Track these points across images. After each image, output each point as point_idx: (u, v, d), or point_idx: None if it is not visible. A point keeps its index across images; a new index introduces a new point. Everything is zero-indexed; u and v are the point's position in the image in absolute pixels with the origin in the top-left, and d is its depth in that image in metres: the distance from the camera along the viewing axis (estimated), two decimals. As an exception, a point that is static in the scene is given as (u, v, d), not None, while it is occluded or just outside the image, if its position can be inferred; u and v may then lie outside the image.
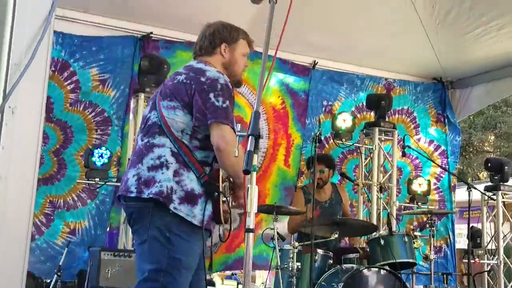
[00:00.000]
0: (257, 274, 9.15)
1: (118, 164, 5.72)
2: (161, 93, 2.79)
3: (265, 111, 6.62)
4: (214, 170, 2.69)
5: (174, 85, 2.76)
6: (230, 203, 2.77)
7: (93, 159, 5.18)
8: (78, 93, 5.67)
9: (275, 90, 6.73)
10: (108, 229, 5.61)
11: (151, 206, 2.61)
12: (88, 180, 5.23)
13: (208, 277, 6.40)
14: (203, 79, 2.71)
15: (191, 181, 2.64)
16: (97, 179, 5.19)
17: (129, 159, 3.08)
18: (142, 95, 5.42)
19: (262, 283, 5.82)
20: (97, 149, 5.24)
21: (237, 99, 6.35)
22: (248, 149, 2.23)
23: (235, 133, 2.61)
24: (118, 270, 4.30)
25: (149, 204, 2.61)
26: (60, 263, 4.97)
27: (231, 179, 2.82)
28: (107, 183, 5.32)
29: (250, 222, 2.27)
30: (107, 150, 5.24)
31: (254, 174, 2.28)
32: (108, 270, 4.35)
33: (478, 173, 17.54)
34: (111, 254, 4.33)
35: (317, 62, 6.75)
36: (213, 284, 6.62)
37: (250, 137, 2.25)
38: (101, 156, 5.19)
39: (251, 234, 2.27)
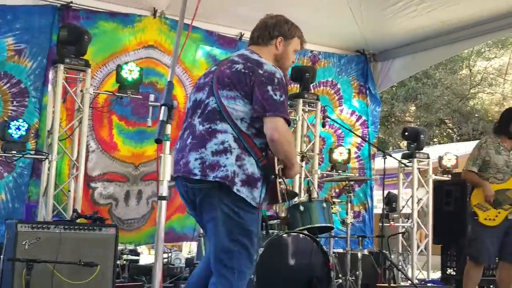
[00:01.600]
0: (184, 244, 9.11)
1: (36, 136, 5.52)
2: (219, 81, 2.84)
3: (192, 84, 6.51)
4: (269, 155, 2.81)
5: (232, 73, 2.82)
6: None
7: (10, 131, 4.96)
8: (-9, 63, 5.39)
9: (202, 62, 6.62)
10: (27, 202, 5.41)
11: (217, 187, 2.73)
12: (4, 152, 5.00)
13: (131, 247, 6.34)
14: (261, 71, 2.79)
15: (251, 165, 2.76)
16: (14, 152, 4.97)
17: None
18: (61, 66, 5.19)
19: (189, 252, 5.80)
20: (13, 121, 5.02)
21: (162, 70, 6.27)
22: (160, 118, 2.25)
23: (290, 124, 2.82)
24: (37, 242, 4.13)
25: (215, 185, 2.72)
26: (-24, 236, 4.79)
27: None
28: (24, 156, 5.12)
29: (163, 190, 2.29)
30: (24, 122, 5.02)
31: (168, 143, 2.28)
32: (25, 243, 4.17)
33: (399, 142, 18.10)
34: (28, 226, 4.16)
35: (243, 34, 6.67)
36: (137, 254, 6.52)
37: (163, 107, 2.27)
38: (18, 128, 4.97)
39: (163, 202, 2.29)
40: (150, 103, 2.78)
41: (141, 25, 6.15)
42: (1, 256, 4.27)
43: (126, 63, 5.62)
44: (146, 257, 8.58)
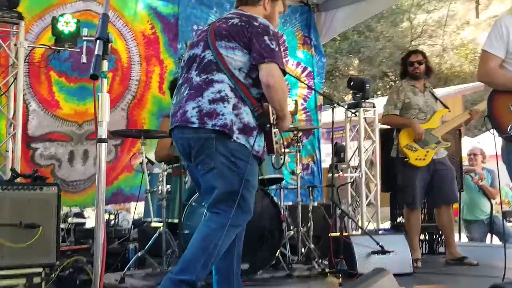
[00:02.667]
0: (132, 205, 8.88)
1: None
2: (215, 33, 2.91)
3: (134, 37, 6.22)
4: (264, 105, 2.87)
5: (229, 26, 2.91)
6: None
7: None
8: None
9: (143, 15, 6.32)
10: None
11: (214, 137, 2.78)
12: None
13: (77, 209, 6.11)
14: (256, 24, 2.89)
15: (247, 114, 2.83)
16: None
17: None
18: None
19: (136, 213, 5.63)
20: None
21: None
22: (96, 52, 2.13)
23: (285, 73, 2.91)
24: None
25: (212, 134, 2.78)
26: None
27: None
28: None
29: (102, 132, 2.18)
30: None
31: (105, 81, 2.16)
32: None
33: (344, 96, 18.26)
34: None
35: (186, -14, 6.43)
36: (83, 217, 6.30)
37: (97, 40, 2.17)
38: None
39: (103, 144, 2.19)
40: (84, 37, 2.57)
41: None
42: None
43: (62, 15, 5.25)
44: (92, 220, 8.33)
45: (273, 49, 2.85)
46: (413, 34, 19.22)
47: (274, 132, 2.92)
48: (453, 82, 19.22)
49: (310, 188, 4.87)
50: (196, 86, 2.87)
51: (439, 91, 10.50)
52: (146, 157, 4.43)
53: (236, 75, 2.85)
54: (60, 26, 5.10)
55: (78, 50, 5.27)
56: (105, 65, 2.12)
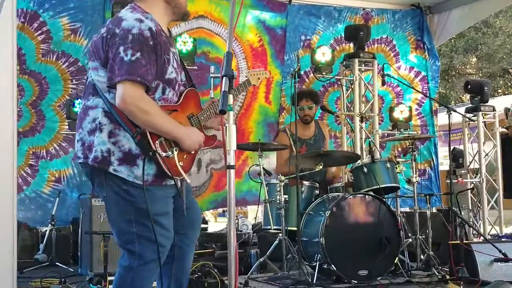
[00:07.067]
0: (249, 209, 9.33)
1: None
2: (89, 52, 2.68)
3: (243, 50, 6.61)
4: (143, 129, 2.54)
5: (95, 41, 2.60)
6: (178, 155, 2.64)
7: (75, 109, 5.19)
8: (49, 43, 5.65)
9: (251, 27, 6.69)
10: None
11: (95, 171, 2.58)
12: (71, 131, 5.27)
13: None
14: (117, 31, 2.51)
15: (128, 141, 2.54)
16: (80, 129, 5.20)
17: None
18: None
19: (254, 218, 5.99)
20: (77, 99, 5.25)
21: (214, 40, 6.37)
22: (223, 89, 2.25)
23: (148, 84, 2.50)
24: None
25: (93, 169, 2.58)
26: (53, 213, 5.14)
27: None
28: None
29: (231, 159, 2.33)
30: (87, 100, 5.24)
31: (231, 113, 2.31)
32: (100, 216, 4.44)
33: (461, 96, 17.69)
34: (101, 200, 4.40)
35: (293, -3, 6.68)
36: (205, 222, 6.76)
37: (224, 78, 2.27)
38: (83, 106, 5.18)
39: (232, 171, 2.33)
40: (211, 74, 2.85)
41: (190, -5, 6.26)
42: (79, 230, 4.56)
43: (180, 34, 5.74)
44: (213, 224, 8.87)
45: (125, 62, 2.45)
46: (536, 27, 18.29)
47: (169, 156, 2.57)
48: None
49: (428, 196, 4.93)
50: (79, 115, 2.66)
51: None
52: (263, 168, 4.74)
53: (108, 98, 2.53)
54: (179, 45, 5.58)
55: (196, 67, 5.73)
56: (231, 99, 2.30)
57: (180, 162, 2.63)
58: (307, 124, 5.51)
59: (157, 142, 2.56)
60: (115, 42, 2.48)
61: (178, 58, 2.80)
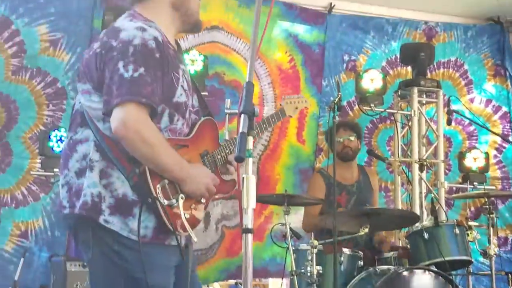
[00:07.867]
0: (270, 282, 9.19)
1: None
2: (79, 72, 2.73)
3: (268, 72, 6.64)
4: (142, 168, 2.53)
5: (86, 59, 2.64)
6: (182, 205, 2.61)
7: (51, 144, 5.23)
8: (22, 58, 5.69)
9: (280, 43, 6.72)
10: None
11: (82, 223, 2.56)
12: (45, 171, 5.27)
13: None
14: (114, 44, 2.54)
15: (122, 184, 2.53)
16: (56, 170, 5.17)
17: None
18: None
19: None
20: (54, 131, 5.28)
21: (230, 58, 6.38)
22: (240, 130, 2.19)
23: (155, 107, 2.52)
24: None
25: (80, 220, 2.57)
26: (16, 278, 5.04)
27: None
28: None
29: (248, 221, 2.26)
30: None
31: (250, 160, 2.24)
32: (77, 286, 4.38)
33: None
34: (79, 265, 4.35)
35: (334, 5, 6.76)
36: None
37: (242, 115, 2.21)
38: (60, 140, 5.19)
39: (249, 235, 2.26)
40: (226, 110, 2.82)
41: (202, 0, 6.28)
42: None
43: (187, 50, 5.76)
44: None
45: (125, 80, 2.46)
46: None
47: (172, 205, 2.55)
48: None
49: (510, 275, 4.86)
50: (63, 153, 2.68)
51: None
52: (290, 228, 4.67)
53: (101, 128, 2.54)
54: (185, 65, 5.59)
55: (206, 93, 5.72)
56: (250, 143, 2.22)
57: (186, 214, 2.61)
58: (348, 162, 5.50)
59: (158, 186, 2.54)
60: (112, 57, 2.51)
61: (189, 78, 2.80)
